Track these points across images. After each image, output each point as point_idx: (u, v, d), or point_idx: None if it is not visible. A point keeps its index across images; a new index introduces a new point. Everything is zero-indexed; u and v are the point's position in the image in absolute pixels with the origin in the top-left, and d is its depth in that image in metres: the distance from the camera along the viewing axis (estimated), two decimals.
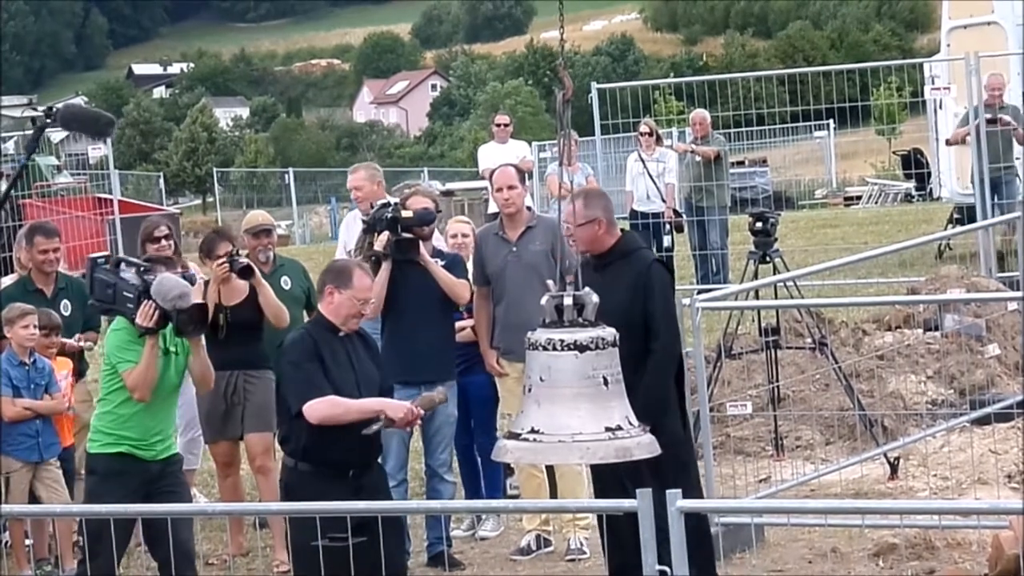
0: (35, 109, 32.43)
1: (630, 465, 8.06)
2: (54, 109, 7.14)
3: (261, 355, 10.44)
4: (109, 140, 21.13)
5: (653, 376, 8.42)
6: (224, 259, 10.16)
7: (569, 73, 6.65)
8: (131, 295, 8.42)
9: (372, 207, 10.47)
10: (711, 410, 10.67)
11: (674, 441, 8.57)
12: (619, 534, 7.89)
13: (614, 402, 6.24)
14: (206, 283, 10.27)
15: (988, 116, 17.43)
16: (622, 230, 8.87)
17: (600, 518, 8.75)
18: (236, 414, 10.40)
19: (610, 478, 8.06)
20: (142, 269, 8.56)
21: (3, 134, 29.29)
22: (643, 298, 8.45)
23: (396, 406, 7.97)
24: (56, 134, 30.15)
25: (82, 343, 10.81)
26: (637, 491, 6.03)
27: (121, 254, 9.69)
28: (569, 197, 8.81)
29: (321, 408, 7.81)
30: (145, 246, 10.92)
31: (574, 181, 17.03)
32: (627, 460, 6.28)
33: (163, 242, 10.93)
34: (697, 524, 8.14)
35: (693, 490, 8.62)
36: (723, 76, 23.74)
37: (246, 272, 10.17)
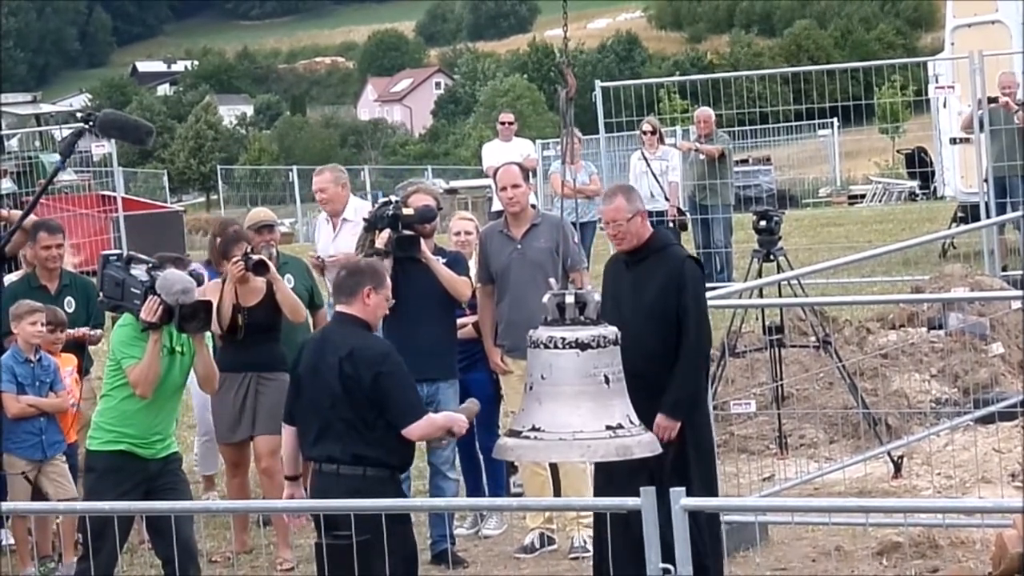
0: (39, 106, 32.38)
1: (653, 460, 8.10)
2: (93, 115, 7.10)
3: (277, 357, 10.43)
4: (113, 138, 21.10)
5: (684, 371, 8.46)
6: (239, 258, 10.18)
7: (573, 71, 6.65)
8: (138, 291, 8.45)
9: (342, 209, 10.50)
10: (715, 408, 10.66)
11: (703, 437, 8.60)
12: (609, 532, 7.88)
13: (615, 400, 6.25)
14: (223, 281, 10.27)
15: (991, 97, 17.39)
16: (653, 225, 8.87)
17: (596, 517, 8.73)
18: (248, 416, 10.40)
19: (630, 473, 7.83)
20: (152, 266, 8.59)
21: (6, 131, 29.22)
22: (676, 294, 8.47)
23: (461, 423, 7.99)
24: (59, 131, 30.10)
25: (90, 334, 10.81)
26: (640, 489, 6.03)
27: (125, 252, 9.70)
28: (602, 196, 8.81)
29: (423, 429, 7.81)
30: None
31: (577, 179, 17.04)
32: (628, 458, 6.29)
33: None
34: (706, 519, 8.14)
35: (713, 485, 8.63)
36: (727, 74, 23.70)
37: (260, 267, 10.19)
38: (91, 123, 7.07)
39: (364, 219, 10.61)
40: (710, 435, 8.76)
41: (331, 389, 7.80)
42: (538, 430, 6.18)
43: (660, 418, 8.40)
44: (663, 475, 7.99)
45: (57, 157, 8.56)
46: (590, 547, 10.12)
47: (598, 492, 8.64)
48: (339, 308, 8.04)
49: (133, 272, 8.57)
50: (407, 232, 10.05)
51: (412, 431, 7.77)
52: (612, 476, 8.29)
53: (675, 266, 8.56)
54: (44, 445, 10.14)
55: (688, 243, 19.22)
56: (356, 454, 7.76)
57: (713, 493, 8.60)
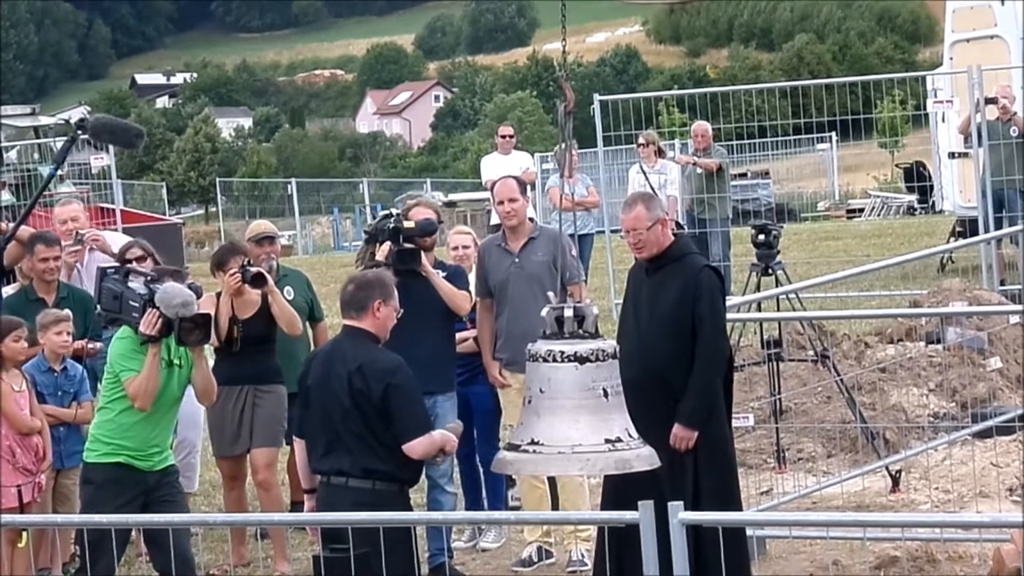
0: (38, 118, 32.41)
1: (675, 472, 8.05)
2: (85, 120, 7.16)
3: (273, 369, 10.45)
4: (112, 149, 21.13)
5: (699, 380, 8.45)
6: (236, 270, 10.18)
7: (571, 85, 6.65)
8: (137, 304, 8.44)
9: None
10: None
11: (720, 448, 8.57)
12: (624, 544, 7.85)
13: (614, 414, 6.24)
14: (218, 295, 10.28)
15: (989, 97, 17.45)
16: (675, 234, 8.87)
17: (602, 529, 8.70)
18: (245, 429, 10.41)
19: (644, 485, 7.56)
20: (149, 279, 8.58)
21: (5, 143, 29.24)
22: (692, 303, 8.46)
23: (453, 441, 7.99)
24: (57, 143, 30.09)
25: (90, 346, 10.81)
26: (639, 503, 6.01)
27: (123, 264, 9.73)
28: (623, 204, 8.83)
29: (424, 446, 7.80)
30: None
31: (575, 192, 17.04)
32: (627, 472, 6.28)
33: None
34: (734, 534, 8.07)
35: (729, 497, 8.58)
36: (726, 88, 23.75)
37: (258, 280, 10.19)
38: (83, 129, 7.12)
39: (365, 231, 10.63)
40: (726, 446, 8.68)
41: (341, 403, 7.79)
42: (537, 444, 6.17)
43: (677, 428, 8.39)
44: (676, 487, 7.98)
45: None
46: (588, 561, 10.12)
47: (608, 504, 8.58)
48: (348, 322, 8.01)
49: (131, 285, 8.57)
50: (408, 245, 10.05)
51: (414, 447, 7.75)
52: (625, 487, 8.25)
53: (692, 275, 8.55)
54: (62, 455, 10.12)
55: None
56: (366, 468, 7.76)
57: (732, 505, 8.51)
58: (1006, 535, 8.22)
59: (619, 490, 8.28)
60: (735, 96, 22.50)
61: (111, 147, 19.52)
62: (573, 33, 6.89)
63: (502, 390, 10.42)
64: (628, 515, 6.05)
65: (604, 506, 8.68)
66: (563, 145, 6.70)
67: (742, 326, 12.41)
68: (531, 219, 10.80)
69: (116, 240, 12.33)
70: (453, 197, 40.14)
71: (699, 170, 18.99)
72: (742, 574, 8.38)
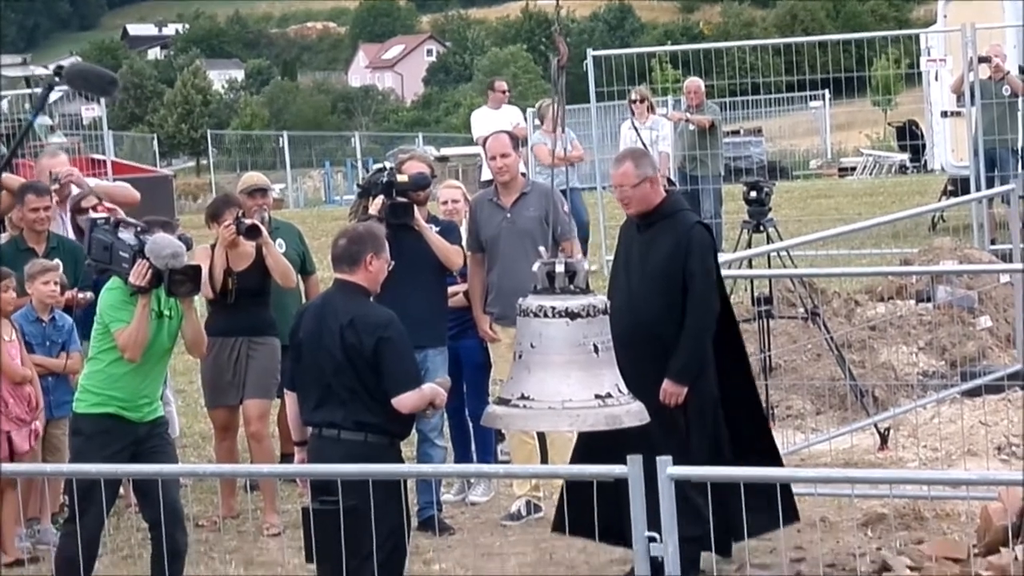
0: (29, 68, 32.26)
1: (666, 428, 8.03)
2: (62, 68, 7.18)
3: (267, 321, 10.46)
4: (103, 100, 21.08)
5: (689, 336, 8.46)
6: (230, 222, 10.18)
7: (565, 39, 6.64)
8: (127, 255, 8.43)
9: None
10: None
11: (709, 404, 8.56)
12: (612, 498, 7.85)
13: (604, 370, 6.25)
14: (212, 247, 10.27)
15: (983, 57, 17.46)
16: (667, 190, 8.85)
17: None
18: (238, 380, 10.42)
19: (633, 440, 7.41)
20: (140, 229, 8.57)
21: None
22: (683, 258, 8.47)
23: (442, 395, 7.97)
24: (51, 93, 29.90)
25: (79, 296, 10.79)
26: (628, 457, 6.03)
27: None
28: (613, 160, 8.83)
29: (414, 401, 7.78)
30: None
31: (561, 147, 16.99)
32: (617, 427, 6.29)
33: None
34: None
35: (707, 451, 8.49)
36: (719, 45, 23.67)
37: (253, 232, 10.19)
38: (59, 76, 7.15)
39: (358, 185, 10.63)
40: (716, 400, 8.63)
41: (333, 357, 7.78)
42: (527, 399, 6.18)
43: (667, 383, 8.41)
44: (666, 442, 7.98)
45: (47, 120, 8.67)
46: None
47: (585, 458, 8.53)
48: (340, 276, 7.99)
49: (121, 236, 8.56)
50: (401, 199, 10.04)
51: (403, 401, 7.75)
52: (616, 443, 8.20)
53: (683, 231, 8.56)
54: (51, 406, 10.12)
55: None
56: (359, 420, 7.75)
57: (723, 459, 8.40)
58: (993, 493, 8.27)
59: (594, 444, 8.24)
60: (728, 53, 22.42)
61: (102, 99, 19.50)
62: None
63: (492, 345, 10.43)
64: (617, 469, 6.07)
65: (574, 459, 8.69)
66: (554, 99, 6.69)
67: (733, 283, 12.40)
68: (523, 174, 10.80)
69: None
70: (445, 152, 40.05)
71: (691, 127, 18.97)
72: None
